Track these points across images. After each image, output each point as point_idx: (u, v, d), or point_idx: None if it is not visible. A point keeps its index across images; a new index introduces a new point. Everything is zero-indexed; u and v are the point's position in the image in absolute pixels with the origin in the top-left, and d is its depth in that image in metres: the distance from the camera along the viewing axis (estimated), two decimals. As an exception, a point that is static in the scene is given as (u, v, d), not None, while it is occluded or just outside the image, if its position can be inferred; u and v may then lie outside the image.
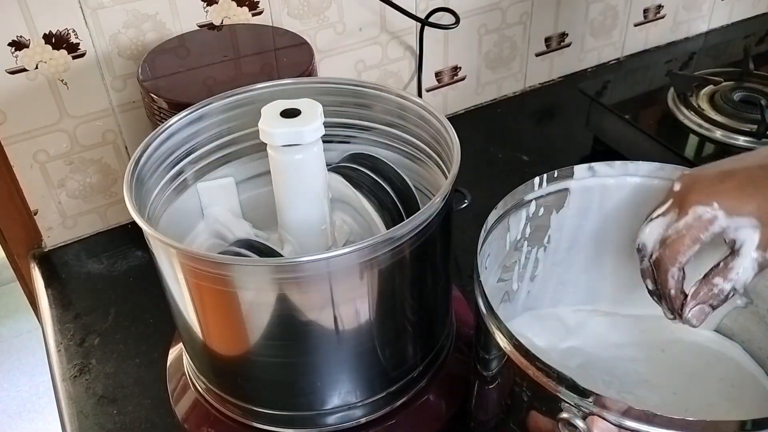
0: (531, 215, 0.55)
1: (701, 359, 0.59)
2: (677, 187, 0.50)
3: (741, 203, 0.47)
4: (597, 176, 0.56)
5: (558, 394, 0.41)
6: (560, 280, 0.61)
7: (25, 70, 0.72)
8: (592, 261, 0.60)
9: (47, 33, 0.71)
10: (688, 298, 0.49)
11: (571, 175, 0.55)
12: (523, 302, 0.61)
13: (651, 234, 0.50)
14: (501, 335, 0.44)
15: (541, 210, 0.55)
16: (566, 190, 0.55)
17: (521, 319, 0.61)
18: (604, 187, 0.56)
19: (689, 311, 0.49)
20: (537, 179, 0.54)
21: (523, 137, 1.00)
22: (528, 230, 0.55)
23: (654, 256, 0.50)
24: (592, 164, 0.55)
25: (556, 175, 0.55)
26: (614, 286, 0.61)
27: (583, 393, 0.40)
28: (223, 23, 0.80)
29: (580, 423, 0.40)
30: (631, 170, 0.56)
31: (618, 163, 0.56)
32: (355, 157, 0.61)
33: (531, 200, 0.54)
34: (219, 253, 0.54)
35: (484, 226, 0.50)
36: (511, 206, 0.53)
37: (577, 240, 0.59)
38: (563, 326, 0.61)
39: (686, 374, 0.58)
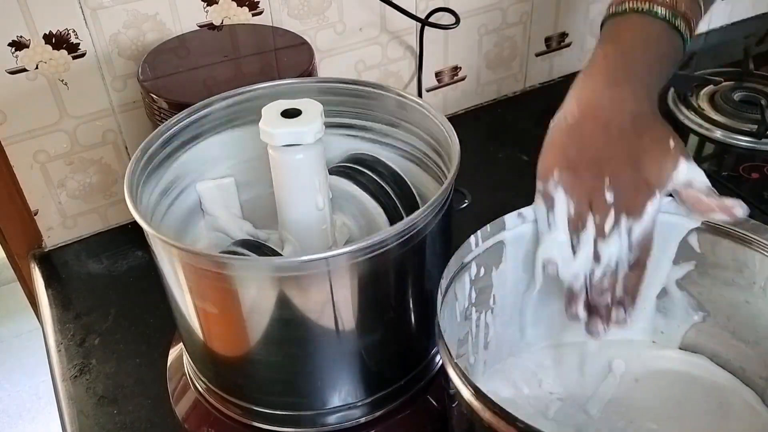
0: (473, 277, 0.53)
1: (678, 384, 0.58)
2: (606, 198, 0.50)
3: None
4: (527, 221, 0.54)
5: None
6: (513, 336, 0.59)
7: (25, 70, 0.72)
8: (541, 303, 0.58)
9: (47, 33, 0.71)
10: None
11: (503, 227, 0.53)
12: (482, 373, 0.58)
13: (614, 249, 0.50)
14: (474, 398, 0.42)
15: (482, 270, 0.53)
16: (501, 242, 0.53)
17: (486, 378, 0.59)
18: (532, 231, 0.54)
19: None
20: (472, 238, 0.52)
21: (523, 137, 1.00)
22: (474, 295, 0.53)
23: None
24: (521, 210, 0.53)
25: (489, 230, 0.53)
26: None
27: None
28: (223, 23, 0.80)
29: None
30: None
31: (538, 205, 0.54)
32: (356, 157, 0.61)
33: (470, 261, 0.52)
34: (220, 253, 0.54)
35: (439, 289, 0.48)
36: (455, 271, 0.51)
37: (519, 292, 0.57)
38: (529, 373, 0.59)
39: (666, 402, 0.57)
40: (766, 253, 0.52)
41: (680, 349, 0.60)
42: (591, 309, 0.52)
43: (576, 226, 0.50)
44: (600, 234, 0.50)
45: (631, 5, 0.53)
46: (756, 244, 0.52)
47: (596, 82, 0.52)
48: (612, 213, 0.49)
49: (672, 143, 0.50)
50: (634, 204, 0.49)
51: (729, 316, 0.57)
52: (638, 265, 0.52)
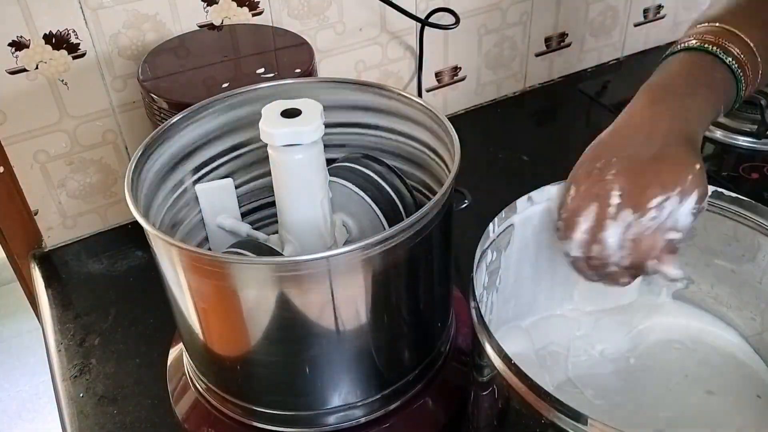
0: (489, 264, 0.54)
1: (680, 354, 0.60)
2: (615, 188, 0.49)
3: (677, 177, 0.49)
4: (535, 203, 0.56)
5: (553, 419, 0.40)
6: (515, 305, 0.61)
7: (25, 70, 0.72)
8: (541, 272, 0.60)
9: (47, 33, 0.71)
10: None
11: (515, 211, 0.55)
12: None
13: (612, 240, 0.49)
14: (494, 353, 0.44)
15: (495, 255, 0.54)
16: (511, 226, 0.55)
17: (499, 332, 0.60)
18: (537, 212, 0.56)
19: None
20: (491, 226, 0.53)
21: (523, 137, 1.00)
22: (486, 279, 0.54)
23: (625, 261, 0.50)
24: (531, 194, 0.55)
25: (503, 215, 0.54)
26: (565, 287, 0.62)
27: (578, 418, 0.39)
28: (223, 23, 0.80)
29: None
30: (553, 193, 0.56)
31: (550, 186, 0.56)
32: (356, 157, 0.61)
33: (487, 248, 0.53)
34: (221, 253, 0.54)
35: (473, 275, 0.49)
36: (479, 258, 0.51)
37: (521, 267, 0.59)
38: (532, 334, 0.61)
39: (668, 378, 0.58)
40: (757, 229, 0.55)
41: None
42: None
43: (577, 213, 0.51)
44: (598, 229, 0.50)
45: (682, 45, 0.55)
46: (748, 220, 0.55)
47: (635, 105, 0.54)
48: (611, 217, 0.49)
49: (689, 177, 0.49)
50: (639, 201, 0.49)
51: (713, 284, 0.60)
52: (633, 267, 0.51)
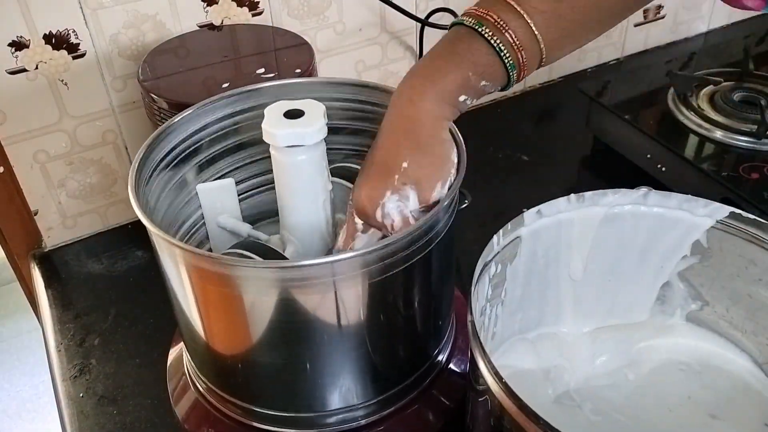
0: (492, 276, 0.53)
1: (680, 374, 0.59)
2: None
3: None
4: (544, 216, 0.55)
5: None
6: (522, 319, 0.61)
7: (25, 70, 0.72)
8: (550, 286, 0.60)
9: (47, 33, 0.71)
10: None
11: (522, 223, 0.54)
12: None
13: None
14: (487, 371, 0.44)
15: (499, 267, 0.54)
16: (518, 238, 0.55)
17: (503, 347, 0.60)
18: (546, 226, 0.56)
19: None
20: (495, 237, 0.52)
21: (523, 137, 1.00)
22: (490, 291, 0.54)
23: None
24: (540, 207, 0.55)
25: (509, 228, 0.53)
26: (575, 303, 0.61)
27: None
28: (223, 23, 0.80)
29: None
30: (562, 207, 0.56)
31: (561, 200, 0.56)
32: (358, 158, 0.61)
33: (491, 261, 0.52)
34: (222, 254, 0.54)
35: (472, 291, 0.49)
36: (480, 272, 0.51)
37: (529, 281, 0.58)
38: (538, 347, 0.61)
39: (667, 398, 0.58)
40: None
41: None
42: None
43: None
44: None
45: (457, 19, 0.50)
46: (765, 243, 0.54)
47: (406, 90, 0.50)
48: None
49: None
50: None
51: (728, 308, 0.58)
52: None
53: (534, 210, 0.55)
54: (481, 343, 0.44)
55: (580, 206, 0.56)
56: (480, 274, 0.50)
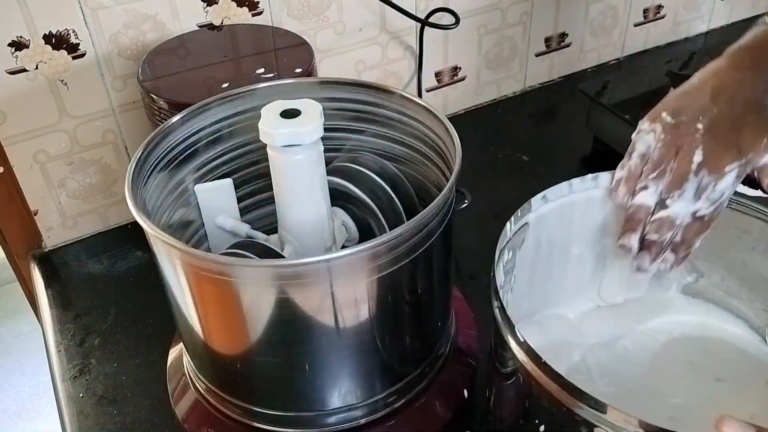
0: (505, 263, 0.54)
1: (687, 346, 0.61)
2: (700, 146, 0.51)
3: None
4: (549, 201, 0.56)
5: (574, 408, 0.41)
6: (529, 303, 0.62)
7: (25, 70, 0.72)
8: (554, 270, 0.61)
9: (47, 33, 0.71)
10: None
11: (529, 209, 0.55)
12: None
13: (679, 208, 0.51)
14: (517, 347, 0.45)
15: (510, 254, 0.55)
16: (526, 224, 0.56)
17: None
18: (550, 210, 0.57)
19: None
20: (507, 225, 0.53)
21: (523, 137, 1.00)
22: (502, 279, 0.55)
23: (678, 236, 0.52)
24: (545, 192, 0.56)
25: (519, 214, 0.55)
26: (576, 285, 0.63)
27: (598, 406, 0.40)
28: (223, 23, 0.80)
29: None
30: (573, 188, 0.57)
31: (563, 184, 0.57)
32: (355, 158, 0.61)
33: (504, 247, 0.53)
34: (220, 254, 0.54)
35: (493, 272, 0.50)
36: (497, 258, 0.52)
37: (535, 265, 0.59)
38: (544, 326, 0.62)
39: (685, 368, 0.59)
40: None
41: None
42: (643, 244, 0.54)
43: (654, 169, 0.53)
44: (674, 184, 0.52)
45: None
46: (760, 212, 0.56)
47: (719, 65, 0.56)
48: (692, 173, 0.51)
49: (762, 144, 0.51)
50: (718, 164, 0.51)
51: (723, 277, 0.61)
52: (703, 220, 0.53)
53: (539, 195, 0.56)
54: (510, 320, 0.45)
55: (584, 189, 0.57)
56: (498, 259, 0.51)
